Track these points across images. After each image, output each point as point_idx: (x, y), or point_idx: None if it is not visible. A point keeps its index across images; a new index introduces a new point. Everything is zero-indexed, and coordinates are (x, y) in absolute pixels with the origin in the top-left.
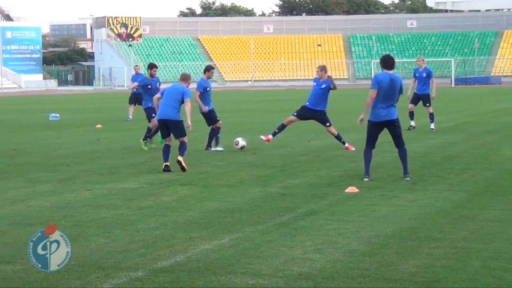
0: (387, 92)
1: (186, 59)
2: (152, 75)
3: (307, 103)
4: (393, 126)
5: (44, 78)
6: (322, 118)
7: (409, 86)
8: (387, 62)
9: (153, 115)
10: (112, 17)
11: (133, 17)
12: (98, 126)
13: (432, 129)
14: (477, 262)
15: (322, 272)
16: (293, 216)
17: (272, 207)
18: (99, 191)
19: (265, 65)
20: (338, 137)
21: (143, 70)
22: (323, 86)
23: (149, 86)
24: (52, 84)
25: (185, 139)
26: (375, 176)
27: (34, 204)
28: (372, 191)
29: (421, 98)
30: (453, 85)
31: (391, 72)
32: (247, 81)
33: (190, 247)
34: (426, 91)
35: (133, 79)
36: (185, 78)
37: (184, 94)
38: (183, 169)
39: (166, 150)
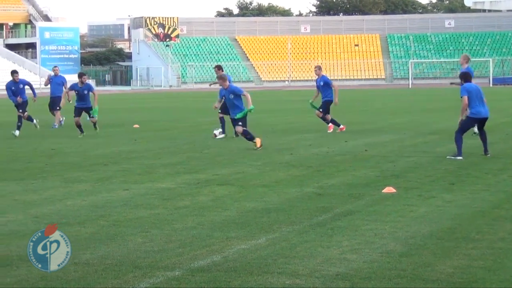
0: (478, 95)
1: (223, 59)
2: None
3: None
4: (485, 121)
5: None
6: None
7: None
8: (470, 77)
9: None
10: (149, 18)
11: (170, 17)
12: (136, 126)
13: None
14: None
15: (359, 273)
16: (330, 216)
17: (308, 207)
18: (136, 191)
19: (302, 65)
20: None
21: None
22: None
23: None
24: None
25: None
26: (413, 177)
27: (71, 203)
28: (409, 192)
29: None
30: (491, 85)
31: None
32: (284, 81)
33: (227, 247)
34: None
35: (52, 81)
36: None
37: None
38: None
39: None
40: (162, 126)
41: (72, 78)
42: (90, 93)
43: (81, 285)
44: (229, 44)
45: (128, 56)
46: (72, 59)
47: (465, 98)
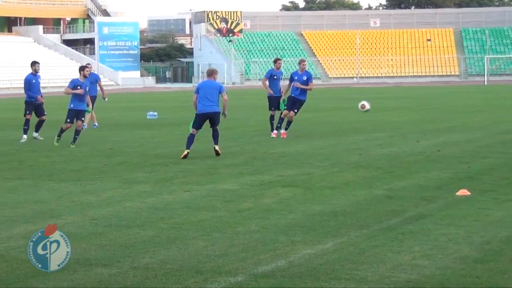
0: None
1: (288, 55)
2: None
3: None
4: None
5: (141, 75)
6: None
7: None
8: None
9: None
10: (211, 12)
11: (233, 12)
12: None
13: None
14: None
15: (431, 280)
16: (401, 220)
17: (378, 211)
18: (197, 192)
19: (371, 61)
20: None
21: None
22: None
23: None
24: (150, 81)
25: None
26: (488, 179)
27: (131, 205)
28: (485, 194)
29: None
30: None
31: None
32: (352, 77)
33: (292, 252)
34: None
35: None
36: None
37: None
38: (217, 154)
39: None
40: (225, 125)
41: (131, 75)
42: (89, 88)
43: None
44: (294, 39)
45: (190, 52)
46: (132, 55)
47: None
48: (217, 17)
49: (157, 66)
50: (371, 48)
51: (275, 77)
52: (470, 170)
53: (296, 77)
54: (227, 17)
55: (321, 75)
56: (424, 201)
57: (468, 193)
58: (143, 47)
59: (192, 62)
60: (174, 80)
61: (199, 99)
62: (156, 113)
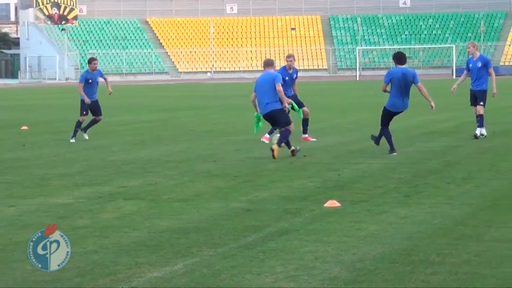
0: (402, 85)
1: (131, 46)
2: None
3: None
4: (401, 113)
5: None
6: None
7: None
8: (400, 58)
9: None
10: None
11: None
12: (24, 128)
13: (482, 135)
14: None
15: None
16: (261, 236)
17: (235, 226)
18: (24, 208)
19: (228, 53)
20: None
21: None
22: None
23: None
24: None
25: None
26: (360, 188)
27: None
28: (356, 206)
29: (476, 95)
30: (454, 76)
31: (403, 67)
32: (205, 72)
33: (136, 275)
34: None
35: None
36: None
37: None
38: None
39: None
40: (58, 128)
41: None
42: None
43: None
44: (138, 27)
45: (15, 43)
46: None
47: (384, 85)
48: (48, 1)
49: None
50: (227, 38)
51: (286, 78)
52: (340, 178)
53: (287, 78)
54: (59, 2)
55: (170, 69)
56: (288, 214)
57: (338, 204)
58: None
59: (19, 55)
60: None
61: (257, 98)
62: None
